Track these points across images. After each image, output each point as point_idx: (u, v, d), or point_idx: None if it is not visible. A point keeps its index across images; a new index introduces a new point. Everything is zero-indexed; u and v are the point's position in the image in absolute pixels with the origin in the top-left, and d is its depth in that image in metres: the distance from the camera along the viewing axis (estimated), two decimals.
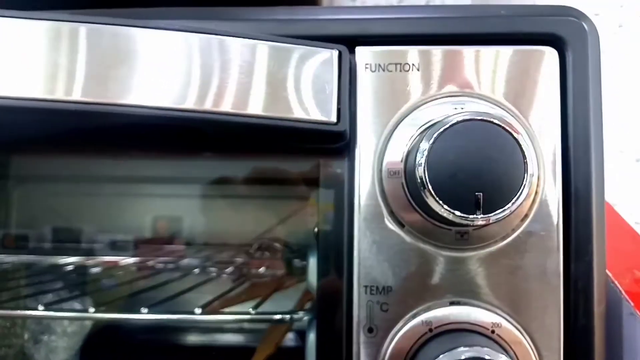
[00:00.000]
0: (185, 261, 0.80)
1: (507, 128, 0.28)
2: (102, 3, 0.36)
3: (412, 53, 0.33)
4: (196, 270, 0.77)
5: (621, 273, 0.36)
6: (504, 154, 0.28)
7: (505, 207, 0.28)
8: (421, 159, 0.29)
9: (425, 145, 0.29)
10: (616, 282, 0.35)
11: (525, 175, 0.28)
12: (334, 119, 0.30)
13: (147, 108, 0.29)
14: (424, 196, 0.29)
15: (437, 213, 0.29)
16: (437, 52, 0.33)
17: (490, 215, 0.28)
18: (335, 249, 0.34)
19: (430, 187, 0.29)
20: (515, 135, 0.28)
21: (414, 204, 0.32)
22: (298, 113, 0.30)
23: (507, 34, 0.33)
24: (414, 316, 0.32)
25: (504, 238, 0.32)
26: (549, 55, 0.33)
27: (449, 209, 0.28)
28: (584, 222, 0.32)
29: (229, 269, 0.76)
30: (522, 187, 0.28)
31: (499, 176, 0.28)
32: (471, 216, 0.28)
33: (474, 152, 0.28)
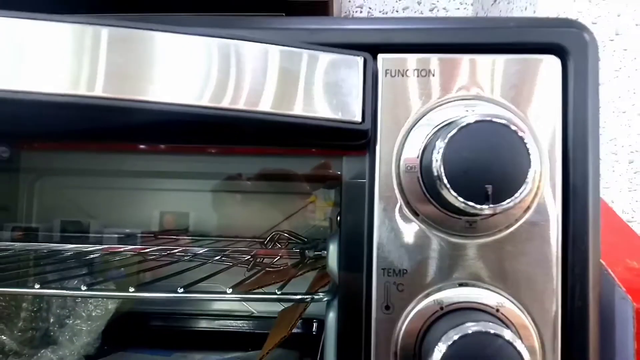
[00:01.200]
0: (203, 251, 0.83)
1: (514, 128, 0.32)
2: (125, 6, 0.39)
3: (430, 60, 0.37)
4: (215, 259, 0.80)
5: (614, 262, 0.40)
6: (511, 151, 0.32)
7: (511, 199, 0.32)
8: (437, 155, 0.33)
9: (441, 144, 0.33)
10: (609, 270, 0.39)
11: (529, 170, 0.32)
12: (359, 118, 0.34)
13: (182, 106, 0.33)
14: (439, 188, 0.33)
15: (450, 203, 0.33)
16: (452, 59, 0.37)
17: (497, 205, 0.32)
18: (357, 236, 0.38)
19: (445, 180, 0.32)
20: (520, 134, 0.32)
21: (428, 196, 0.36)
22: (329, 113, 0.34)
23: (515, 44, 0.37)
24: (426, 296, 0.36)
25: (508, 227, 0.36)
26: (553, 64, 0.36)
27: (462, 199, 0.32)
28: (581, 215, 0.36)
29: (245, 258, 0.80)
30: (526, 181, 0.32)
31: (506, 171, 0.32)
32: (480, 206, 0.32)
33: (484, 150, 0.32)
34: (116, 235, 0.93)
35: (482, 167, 0.32)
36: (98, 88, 0.31)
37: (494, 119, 0.32)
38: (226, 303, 0.92)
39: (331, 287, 0.48)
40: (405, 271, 0.37)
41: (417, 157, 0.36)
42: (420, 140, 0.36)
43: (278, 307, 0.76)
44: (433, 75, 0.37)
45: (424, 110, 0.37)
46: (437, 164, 0.33)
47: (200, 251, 0.81)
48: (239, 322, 0.90)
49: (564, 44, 0.37)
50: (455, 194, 0.32)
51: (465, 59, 0.37)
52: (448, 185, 0.32)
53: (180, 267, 0.72)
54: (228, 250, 0.80)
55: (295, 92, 0.34)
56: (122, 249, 0.84)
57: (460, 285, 0.36)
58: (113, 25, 0.31)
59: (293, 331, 0.61)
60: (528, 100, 0.36)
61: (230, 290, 0.43)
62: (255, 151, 0.76)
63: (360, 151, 0.38)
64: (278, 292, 0.44)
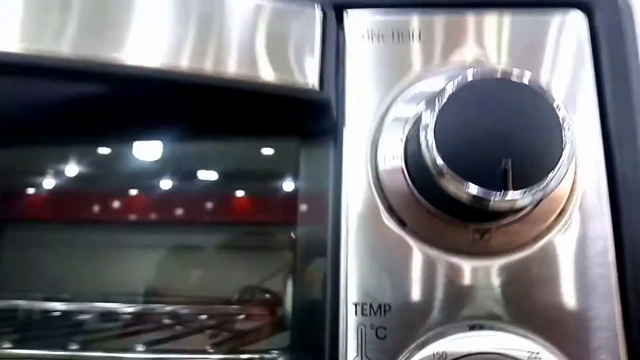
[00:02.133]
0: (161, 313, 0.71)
1: (539, 90, 0.22)
2: None
3: (412, 19, 0.28)
4: (169, 322, 0.68)
5: None
6: (536, 123, 0.22)
7: (543, 182, 0.21)
8: (427, 130, 0.22)
9: (430, 116, 0.22)
10: None
11: (564, 149, 0.22)
12: (315, 84, 0.24)
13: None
14: (434, 177, 0.22)
15: (451, 198, 0.22)
16: (441, 18, 0.28)
17: (522, 192, 0.21)
18: (316, 258, 0.26)
19: (440, 161, 0.22)
20: (549, 99, 0.22)
21: (418, 195, 0.25)
22: (274, 76, 0.24)
23: None
24: (421, 346, 0.24)
25: (536, 240, 0.25)
26: (576, 20, 0.27)
27: (468, 184, 0.21)
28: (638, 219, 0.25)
29: (207, 321, 0.68)
30: (561, 161, 0.21)
31: (529, 147, 0.21)
32: (497, 193, 0.21)
33: (494, 116, 0.22)
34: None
35: (492, 141, 0.22)
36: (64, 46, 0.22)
37: (504, 76, 0.22)
38: None
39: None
40: (388, 307, 0.25)
41: (401, 140, 0.26)
42: (403, 121, 0.26)
43: None
44: (418, 38, 0.28)
45: (407, 83, 0.27)
46: (428, 143, 0.22)
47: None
48: None
49: None
50: (458, 177, 0.21)
51: (461, 16, 0.28)
52: (444, 169, 0.22)
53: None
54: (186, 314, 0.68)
55: (229, 49, 0.24)
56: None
57: (472, 328, 0.24)
58: None
59: None
60: (548, 67, 0.27)
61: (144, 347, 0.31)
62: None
63: (322, 137, 0.27)
64: (211, 351, 0.31)
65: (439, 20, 0.28)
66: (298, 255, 0.26)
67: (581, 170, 0.26)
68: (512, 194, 0.21)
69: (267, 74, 0.24)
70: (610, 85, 0.27)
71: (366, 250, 0.25)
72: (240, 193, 0.47)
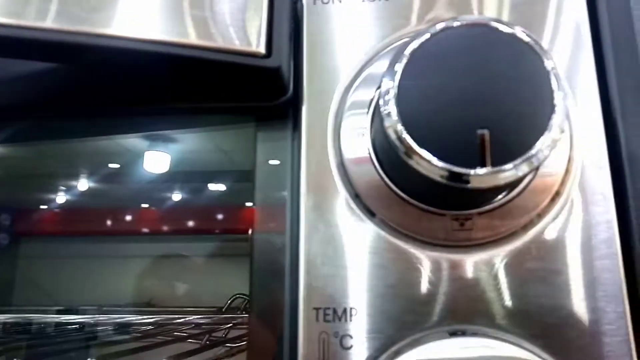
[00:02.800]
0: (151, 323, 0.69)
1: (523, 37, 0.18)
2: None
3: None
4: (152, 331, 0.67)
5: None
6: (516, 77, 0.18)
7: (526, 154, 0.17)
8: (388, 99, 0.19)
9: (390, 80, 0.19)
10: None
11: (554, 112, 0.18)
12: (261, 48, 0.21)
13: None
14: (402, 155, 0.18)
15: (422, 180, 0.18)
16: None
17: (503, 166, 0.17)
18: (272, 255, 0.23)
19: (405, 135, 0.18)
20: (536, 48, 0.18)
21: (387, 179, 0.22)
22: (205, 38, 0.20)
23: None
24: (393, 356, 0.20)
25: (526, 228, 0.21)
26: None
27: (439, 161, 0.17)
28: None
29: (194, 331, 0.66)
30: (548, 127, 0.18)
31: (511, 105, 0.18)
32: (473, 170, 0.17)
33: (468, 75, 0.18)
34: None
35: (466, 105, 0.18)
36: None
37: (479, 22, 0.19)
38: None
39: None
40: (354, 312, 0.21)
41: (367, 113, 0.22)
42: (369, 95, 0.23)
43: None
44: None
45: (375, 51, 0.24)
46: (389, 116, 0.18)
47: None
48: None
49: None
50: (427, 153, 0.18)
51: None
52: (413, 145, 0.18)
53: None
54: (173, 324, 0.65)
55: (156, 7, 0.21)
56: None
57: (453, 334, 0.20)
58: None
59: None
60: (547, 33, 0.23)
61: None
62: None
63: (281, 120, 0.24)
64: None
65: None
66: (253, 258, 0.23)
67: (578, 145, 0.22)
68: (491, 170, 0.17)
69: (201, 36, 0.20)
70: (611, 50, 0.23)
71: (329, 245, 0.22)
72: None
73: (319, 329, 0.21)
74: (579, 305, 0.20)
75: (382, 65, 0.23)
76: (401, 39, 0.23)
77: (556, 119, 0.18)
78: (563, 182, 0.21)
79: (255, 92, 0.23)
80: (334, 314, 0.21)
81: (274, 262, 0.22)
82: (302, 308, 0.21)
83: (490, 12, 0.24)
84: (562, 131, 0.18)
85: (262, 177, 0.24)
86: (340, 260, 0.22)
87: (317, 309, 0.21)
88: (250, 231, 0.24)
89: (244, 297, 0.72)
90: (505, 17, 0.24)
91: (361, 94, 0.23)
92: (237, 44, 0.20)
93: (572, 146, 0.22)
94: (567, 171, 0.21)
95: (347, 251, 0.22)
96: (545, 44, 0.23)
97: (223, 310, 0.72)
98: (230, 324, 0.61)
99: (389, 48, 0.23)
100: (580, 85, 0.23)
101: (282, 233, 0.23)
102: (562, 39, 0.23)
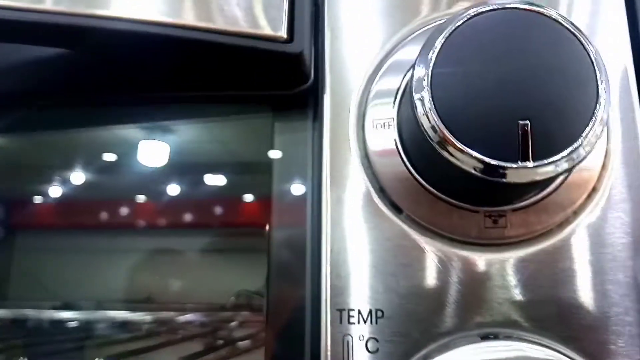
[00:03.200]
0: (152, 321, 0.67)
1: (567, 24, 0.17)
2: None
3: None
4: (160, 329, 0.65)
5: None
6: (558, 66, 0.17)
7: (570, 149, 0.16)
8: (422, 86, 0.17)
9: (423, 68, 0.17)
10: None
11: (599, 104, 0.17)
12: (282, 32, 0.19)
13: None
14: (435, 145, 0.17)
15: (455, 174, 0.17)
16: None
17: (544, 161, 0.16)
18: (293, 252, 0.21)
19: (441, 126, 0.17)
20: (575, 32, 0.17)
21: (415, 173, 0.20)
22: (226, 22, 0.19)
23: None
24: None
25: (561, 226, 0.20)
26: None
27: (476, 154, 0.16)
28: None
29: (200, 329, 0.64)
30: (593, 119, 0.16)
31: (553, 96, 0.17)
32: (514, 164, 0.16)
33: (506, 63, 0.17)
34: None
35: (506, 93, 0.17)
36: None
37: (521, 5, 0.17)
38: None
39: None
40: (380, 314, 0.20)
41: (393, 107, 0.21)
42: (396, 83, 0.21)
43: None
44: None
45: (401, 37, 0.22)
46: (423, 104, 0.17)
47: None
48: None
49: None
50: (463, 145, 0.16)
51: None
52: (448, 134, 0.17)
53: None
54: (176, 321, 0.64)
55: None
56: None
57: (484, 338, 0.19)
58: None
59: None
60: (577, 11, 0.22)
61: None
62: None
63: (300, 109, 0.22)
64: None
65: None
66: (271, 254, 0.21)
67: (616, 140, 0.21)
68: (532, 164, 0.16)
69: (224, 21, 0.19)
70: None
71: (353, 242, 0.21)
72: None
73: (343, 331, 0.20)
74: (615, 308, 0.19)
75: (408, 52, 0.22)
76: (429, 24, 0.22)
77: (600, 112, 0.17)
78: (600, 178, 0.20)
79: (274, 80, 0.21)
80: (358, 316, 0.20)
81: (293, 260, 0.21)
82: (325, 309, 0.20)
83: None
84: (605, 125, 0.17)
85: (280, 169, 0.23)
86: (365, 259, 0.20)
87: (340, 310, 0.20)
88: (267, 227, 0.23)
89: (249, 293, 0.71)
90: None
91: (387, 83, 0.22)
92: (257, 28, 0.19)
93: (608, 139, 0.21)
94: (604, 166, 0.20)
95: (372, 249, 0.20)
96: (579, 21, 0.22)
97: (227, 307, 0.71)
98: (237, 322, 0.60)
99: (416, 33, 0.22)
100: (614, 68, 0.21)
101: (303, 229, 0.21)
102: (595, 16, 0.22)
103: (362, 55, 0.22)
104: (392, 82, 0.21)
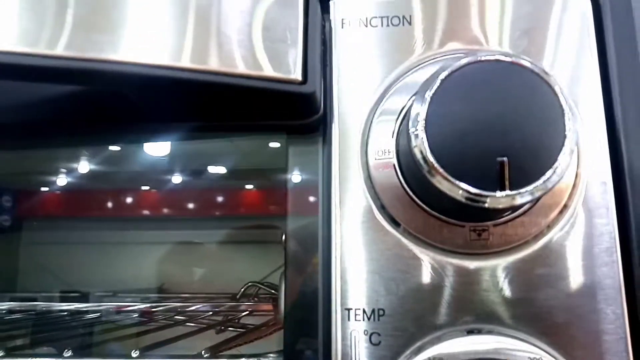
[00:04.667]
0: (166, 309, 0.72)
1: (537, 71, 0.20)
2: None
3: (402, 2, 0.26)
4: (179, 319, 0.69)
5: None
6: (534, 109, 0.20)
7: (542, 179, 0.19)
8: (417, 123, 0.21)
9: (420, 106, 0.21)
10: None
11: (566, 138, 0.20)
12: (298, 76, 0.23)
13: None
14: (426, 175, 0.21)
15: (444, 197, 0.21)
16: (434, 0, 0.26)
17: (520, 190, 0.19)
18: (306, 259, 0.25)
19: (432, 159, 0.20)
20: (549, 81, 0.20)
21: (411, 192, 0.24)
22: (254, 68, 0.22)
23: None
24: (417, 351, 0.23)
25: (537, 238, 0.23)
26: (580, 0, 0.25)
27: (462, 183, 0.20)
28: None
29: (214, 317, 0.68)
30: (562, 153, 0.20)
31: (527, 137, 0.20)
32: (492, 193, 0.19)
33: (489, 105, 0.20)
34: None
35: (488, 132, 0.20)
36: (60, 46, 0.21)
37: (502, 58, 0.21)
38: None
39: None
40: (382, 312, 0.24)
41: (392, 135, 0.24)
42: (394, 114, 0.25)
43: None
44: (409, 23, 0.26)
45: (399, 73, 0.26)
46: (417, 137, 0.21)
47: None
48: None
49: None
50: (450, 176, 0.20)
51: None
52: (437, 166, 0.20)
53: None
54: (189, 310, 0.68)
55: (200, 36, 0.22)
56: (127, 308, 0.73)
57: (470, 332, 0.23)
58: None
59: None
60: (549, 51, 0.25)
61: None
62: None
63: (310, 134, 0.26)
64: (204, 355, 0.30)
65: (432, 2, 0.26)
66: (288, 260, 0.25)
67: (584, 162, 0.24)
68: (509, 193, 0.19)
69: (246, 66, 0.22)
70: (616, 67, 0.25)
71: (358, 252, 0.24)
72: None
73: (350, 327, 0.23)
74: (582, 307, 0.23)
75: (406, 86, 0.25)
76: (423, 62, 0.25)
77: (567, 146, 0.20)
78: (570, 196, 0.24)
79: (288, 112, 0.25)
80: (363, 314, 0.24)
81: (306, 267, 0.25)
82: (336, 309, 0.24)
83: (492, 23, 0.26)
84: (573, 154, 0.20)
85: (294, 188, 0.26)
86: (369, 266, 0.24)
87: (348, 309, 0.24)
88: (283, 237, 0.26)
89: (257, 285, 0.75)
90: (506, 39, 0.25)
91: (386, 115, 0.25)
92: (275, 72, 0.22)
93: (579, 163, 0.24)
94: (574, 186, 0.24)
95: (375, 258, 0.24)
96: (548, 60, 0.25)
97: (237, 297, 0.75)
98: (247, 311, 0.64)
99: (412, 71, 0.25)
100: (585, 102, 0.25)
101: (315, 240, 0.25)
102: (566, 53, 0.25)
103: (365, 89, 0.25)
104: (390, 115, 0.25)
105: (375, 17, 0.26)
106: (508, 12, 0.25)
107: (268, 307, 0.68)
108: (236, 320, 0.71)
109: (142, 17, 0.22)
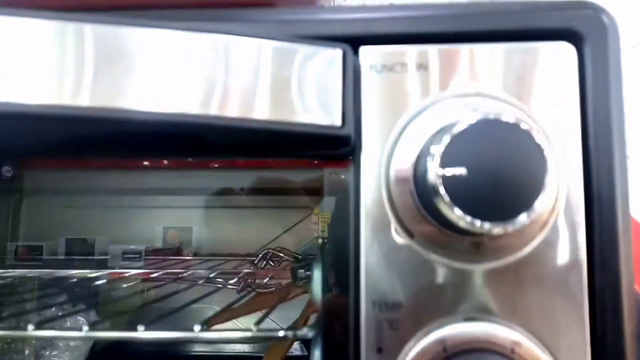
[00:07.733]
0: (190, 272, 0.79)
1: (525, 127, 0.26)
2: None
3: (420, 52, 0.31)
4: (201, 282, 0.77)
5: None
6: (523, 156, 0.26)
7: (527, 212, 0.26)
8: (432, 163, 0.27)
9: (436, 149, 0.27)
10: None
11: (546, 176, 0.26)
12: (338, 122, 0.28)
13: (144, 113, 0.27)
14: (437, 203, 0.27)
15: (450, 222, 0.27)
16: (446, 50, 0.31)
17: (510, 222, 0.26)
18: (340, 262, 0.32)
19: (443, 192, 0.26)
20: (533, 134, 0.26)
21: (424, 212, 0.30)
22: (301, 116, 0.28)
23: (521, 30, 0.31)
24: (426, 334, 0.30)
25: (521, 248, 0.30)
26: (566, 51, 0.31)
27: (466, 217, 0.26)
28: (609, 232, 0.30)
29: (234, 280, 0.75)
30: (543, 189, 0.26)
31: (518, 179, 0.26)
32: (489, 226, 0.26)
33: (489, 155, 0.26)
34: (101, 257, 0.91)
35: (488, 176, 0.26)
36: (84, 97, 0.25)
37: (501, 118, 0.26)
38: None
39: (318, 318, 0.42)
40: (399, 304, 0.30)
41: (411, 166, 0.30)
42: (412, 147, 0.30)
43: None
44: (425, 69, 0.31)
45: (417, 111, 0.31)
46: (434, 173, 0.27)
47: (190, 273, 0.77)
48: (235, 346, 0.84)
49: (579, 28, 0.31)
50: (457, 210, 0.26)
51: (463, 49, 0.31)
52: (447, 199, 0.26)
53: (170, 290, 0.68)
54: (215, 272, 0.75)
55: (262, 93, 0.28)
56: (126, 274, 0.81)
57: (467, 320, 0.30)
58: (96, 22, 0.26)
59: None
60: (538, 96, 0.31)
61: (199, 327, 0.37)
62: (255, 164, 0.71)
63: (343, 162, 0.32)
64: (254, 329, 0.38)
65: (445, 52, 0.31)
66: (324, 261, 0.32)
67: (562, 191, 0.30)
68: (504, 226, 0.26)
69: (299, 114, 0.28)
70: (592, 112, 0.30)
71: (381, 256, 0.31)
72: None
73: (375, 316, 0.30)
74: (556, 302, 0.30)
75: (422, 123, 0.31)
76: (435, 103, 0.31)
77: (547, 183, 0.26)
78: (549, 216, 0.30)
79: (325, 146, 0.31)
80: (385, 306, 0.30)
81: (340, 268, 0.32)
82: (364, 300, 0.31)
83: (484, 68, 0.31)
84: (554, 187, 0.27)
85: (328, 204, 0.32)
86: (389, 268, 0.31)
87: (373, 302, 0.31)
88: (320, 241, 0.33)
89: (273, 251, 0.82)
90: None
91: (407, 145, 0.31)
92: (322, 120, 0.28)
93: (558, 190, 0.30)
94: (553, 208, 0.30)
95: (394, 263, 0.31)
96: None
97: (255, 262, 0.83)
98: (269, 276, 0.71)
99: (426, 109, 0.31)
100: (567, 138, 0.30)
101: (347, 247, 0.31)
102: (551, 97, 0.31)
103: (388, 122, 0.31)
104: (411, 145, 0.31)
105: (397, 64, 0.31)
106: (515, 63, 0.31)
107: (285, 274, 0.75)
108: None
109: (217, 78, 0.27)
